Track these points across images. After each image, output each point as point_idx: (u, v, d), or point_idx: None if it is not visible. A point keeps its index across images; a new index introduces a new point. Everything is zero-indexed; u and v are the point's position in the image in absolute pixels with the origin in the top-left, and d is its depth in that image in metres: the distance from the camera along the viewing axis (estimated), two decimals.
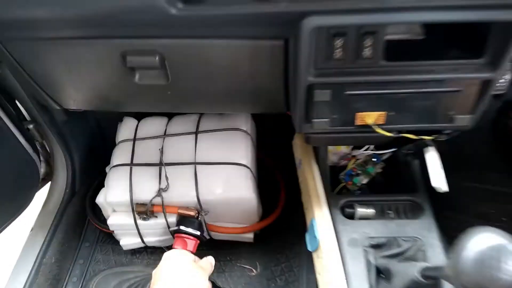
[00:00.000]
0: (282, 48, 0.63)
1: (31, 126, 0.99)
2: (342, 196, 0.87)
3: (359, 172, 0.96)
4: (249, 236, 1.09)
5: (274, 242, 1.11)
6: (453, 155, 1.21)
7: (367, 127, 0.66)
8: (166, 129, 1.09)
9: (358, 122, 0.65)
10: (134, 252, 1.13)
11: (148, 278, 0.73)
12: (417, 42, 0.63)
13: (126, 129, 1.12)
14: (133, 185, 0.99)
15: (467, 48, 0.60)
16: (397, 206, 0.86)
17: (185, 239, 0.98)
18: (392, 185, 0.97)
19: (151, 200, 0.97)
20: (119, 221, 1.02)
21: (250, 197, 0.98)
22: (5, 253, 1.09)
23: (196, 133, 1.06)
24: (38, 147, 1.05)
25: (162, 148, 1.04)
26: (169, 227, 1.01)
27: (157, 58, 0.66)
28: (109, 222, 1.03)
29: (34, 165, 1.01)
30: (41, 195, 1.11)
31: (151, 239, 1.07)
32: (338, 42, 0.56)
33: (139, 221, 1.01)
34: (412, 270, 0.64)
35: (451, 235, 0.72)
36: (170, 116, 1.14)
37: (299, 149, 1.01)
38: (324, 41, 0.56)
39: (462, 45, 0.60)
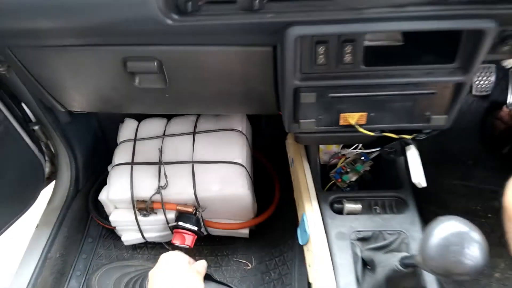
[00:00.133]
0: (270, 54, 0.68)
1: (36, 127, 1.04)
2: (332, 193, 0.92)
3: (349, 170, 1.01)
4: (245, 232, 1.13)
5: (269, 237, 1.16)
6: (441, 154, 1.27)
7: (350, 127, 0.71)
8: (165, 130, 1.14)
9: (342, 122, 0.70)
10: (135, 247, 1.18)
11: (148, 272, 0.77)
12: (397, 47, 0.68)
13: (127, 129, 1.17)
14: (134, 183, 1.04)
15: (441, 53, 0.65)
16: (383, 202, 0.90)
17: (184, 234, 1.03)
18: (379, 182, 1.01)
19: (151, 197, 1.02)
20: (120, 217, 1.07)
21: (245, 194, 1.03)
22: (12, 248, 1.13)
23: (194, 133, 1.11)
24: (43, 148, 1.10)
25: (161, 147, 1.08)
26: (168, 223, 1.06)
27: (155, 64, 0.71)
28: (111, 218, 1.08)
29: (39, 164, 1.06)
30: (46, 193, 1.16)
31: (151, 235, 1.11)
32: (321, 49, 0.61)
33: (140, 218, 1.06)
34: (393, 260, 0.69)
35: None
36: (169, 117, 1.19)
37: (292, 148, 1.06)
38: (308, 48, 0.62)
39: (437, 51, 0.65)
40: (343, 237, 0.83)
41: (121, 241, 1.14)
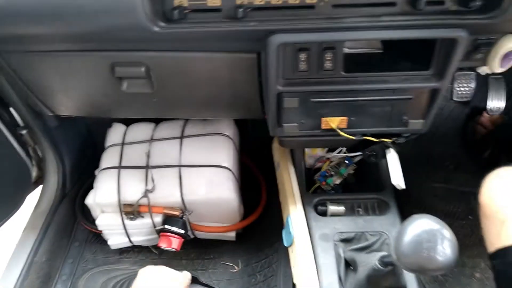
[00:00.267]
0: (255, 60, 0.70)
1: (24, 132, 1.04)
2: (316, 195, 0.95)
3: (333, 173, 1.04)
4: (231, 235, 1.15)
5: (255, 240, 1.17)
6: (423, 158, 1.30)
7: (332, 131, 0.73)
8: (153, 134, 1.15)
9: (323, 126, 0.73)
10: (122, 251, 1.18)
11: (134, 276, 0.77)
12: (376, 55, 0.71)
13: (115, 134, 1.18)
14: (121, 187, 1.05)
15: (417, 61, 0.68)
16: (366, 204, 0.93)
17: (170, 237, 1.04)
18: (363, 185, 1.04)
19: (138, 200, 1.03)
20: (107, 221, 1.08)
21: (231, 198, 1.05)
22: None
23: (181, 137, 1.12)
24: (30, 152, 1.10)
25: (148, 152, 1.10)
26: (155, 227, 1.07)
27: (143, 69, 0.73)
28: (97, 222, 1.08)
29: (26, 169, 1.06)
30: (33, 197, 1.16)
31: (138, 239, 1.12)
32: (302, 56, 0.64)
33: (127, 221, 1.06)
34: (373, 259, 0.71)
35: None
36: (157, 121, 1.20)
37: (278, 152, 1.08)
38: (290, 55, 0.64)
39: (414, 58, 0.68)
40: (327, 239, 0.85)
41: (108, 245, 1.14)
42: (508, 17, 0.57)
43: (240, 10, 0.57)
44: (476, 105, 1.30)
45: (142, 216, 1.06)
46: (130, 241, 1.13)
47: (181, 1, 0.59)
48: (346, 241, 0.86)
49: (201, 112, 0.92)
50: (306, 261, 0.82)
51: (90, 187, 1.11)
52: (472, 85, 1.22)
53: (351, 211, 0.92)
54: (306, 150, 1.05)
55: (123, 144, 1.14)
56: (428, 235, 0.51)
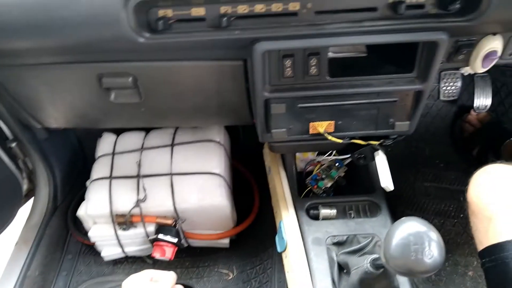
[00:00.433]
0: (241, 67, 0.71)
1: (13, 145, 1.03)
2: (308, 199, 0.95)
3: (324, 176, 1.04)
4: (225, 242, 1.15)
5: (249, 246, 1.17)
6: (413, 157, 1.32)
7: (320, 135, 0.74)
8: (143, 143, 1.15)
9: (311, 131, 0.74)
10: (115, 262, 1.17)
11: None
12: (361, 58, 0.72)
13: (105, 144, 1.18)
14: (113, 197, 1.04)
15: (401, 64, 0.69)
16: (357, 206, 0.93)
17: (164, 247, 1.04)
18: (354, 187, 1.05)
19: (130, 210, 1.02)
20: (100, 232, 1.07)
21: (223, 205, 1.05)
22: None
23: (172, 145, 1.12)
24: (21, 165, 1.09)
25: (139, 161, 1.09)
26: (148, 236, 1.06)
27: (130, 79, 0.73)
28: (90, 234, 1.08)
29: (16, 182, 1.05)
30: (25, 210, 1.15)
31: (131, 249, 1.12)
32: (288, 62, 0.65)
33: (119, 232, 1.06)
34: (365, 262, 0.71)
35: None
36: (147, 130, 1.20)
37: (268, 157, 1.09)
38: (275, 62, 0.65)
39: (397, 61, 0.69)
40: (319, 243, 0.86)
41: (101, 257, 1.13)
42: (486, 19, 0.58)
43: (224, 19, 0.58)
44: (463, 104, 1.33)
45: (135, 226, 1.06)
46: (124, 252, 1.12)
47: (165, 12, 0.60)
48: (338, 244, 0.86)
49: (190, 120, 0.93)
50: (299, 266, 0.82)
51: (82, 198, 1.10)
52: (459, 84, 1.24)
53: (343, 214, 0.92)
54: (297, 154, 1.06)
55: (113, 154, 1.14)
56: (415, 237, 0.51)
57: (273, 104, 0.70)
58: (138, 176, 1.06)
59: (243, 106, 0.81)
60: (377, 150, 0.80)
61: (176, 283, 0.71)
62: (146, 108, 0.81)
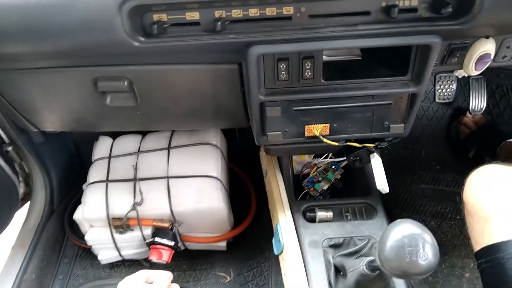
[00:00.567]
0: (236, 71, 0.71)
1: (9, 148, 1.03)
2: (304, 202, 0.95)
3: (320, 179, 1.05)
4: (222, 245, 1.15)
5: (246, 249, 1.17)
6: (410, 160, 1.32)
7: (315, 138, 0.74)
8: (140, 146, 1.15)
9: (307, 133, 0.74)
10: (112, 265, 1.17)
11: None
12: (356, 62, 0.73)
13: (101, 147, 1.18)
14: (109, 201, 1.04)
15: (395, 67, 0.69)
16: (354, 208, 0.93)
17: (161, 250, 1.04)
18: (350, 189, 1.05)
19: (127, 214, 1.02)
20: (96, 236, 1.07)
21: (220, 207, 1.05)
22: None
23: (169, 148, 1.12)
24: (17, 168, 1.09)
25: (136, 164, 1.09)
26: (145, 239, 1.06)
27: (125, 83, 0.74)
28: (86, 237, 1.08)
29: (13, 186, 1.05)
30: (21, 214, 1.15)
31: (128, 252, 1.11)
32: (282, 66, 0.65)
33: (116, 235, 1.06)
34: (361, 264, 0.72)
35: None
36: (143, 133, 1.20)
37: (265, 160, 1.09)
38: (270, 65, 0.65)
39: (392, 65, 0.70)
40: (316, 245, 0.86)
41: (98, 260, 1.13)
42: (478, 22, 0.59)
43: (219, 23, 0.58)
44: (459, 106, 1.34)
45: (132, 230, 1.06)
46: (120, 255, 1.12)
47: (160, 16, 0.60)
48: (335, 246, 0.86)
49: (186, 123, 0.93)
50: (296, 269, 0.82)
51: (78, 202, 1.10)
52: (454, 86, 1.25)
53: (339, 216, 0.92)
54: (294, 156, 1.06)
55: (110, 157, 1.14)
56: (410, 239, 0.51)
57: (268, 107, 0.70)
58: (134, 179, 1.06)
59: (239, 109, 0.81)
60: (372, 152, 0.80)
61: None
62: (142, 111, 0.81)
